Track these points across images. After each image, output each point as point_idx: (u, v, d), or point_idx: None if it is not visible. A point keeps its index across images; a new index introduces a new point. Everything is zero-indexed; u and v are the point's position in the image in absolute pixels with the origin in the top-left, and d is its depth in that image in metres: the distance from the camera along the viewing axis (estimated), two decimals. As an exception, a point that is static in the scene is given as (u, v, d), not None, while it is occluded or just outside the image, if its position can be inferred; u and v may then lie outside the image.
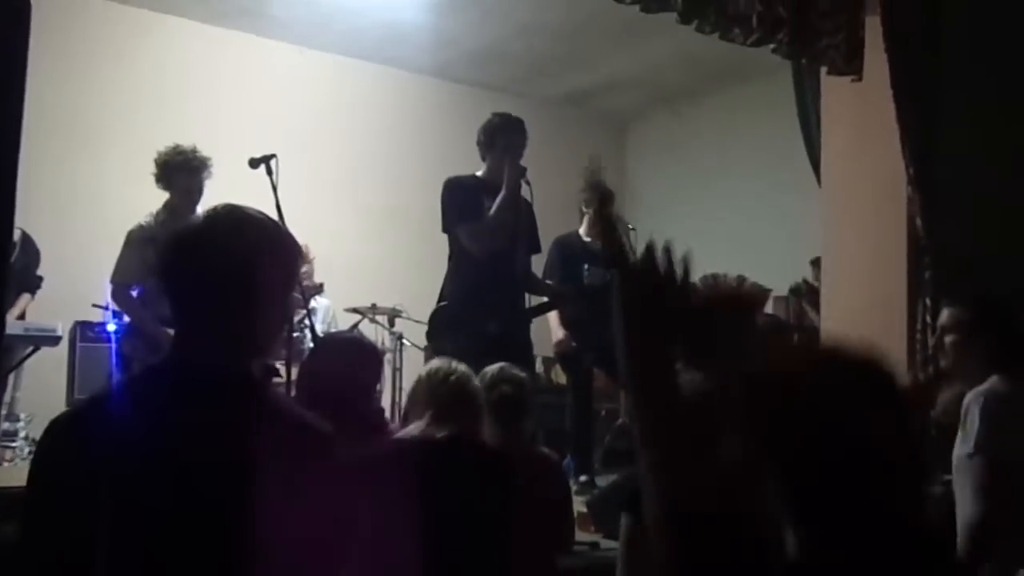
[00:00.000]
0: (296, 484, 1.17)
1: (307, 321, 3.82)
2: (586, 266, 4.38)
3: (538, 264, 4.13)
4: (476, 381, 2.32)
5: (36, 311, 4.43)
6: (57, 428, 1.27)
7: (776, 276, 5.59)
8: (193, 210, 3.76)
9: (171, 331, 3.60)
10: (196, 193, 3.78)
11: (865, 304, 3.03)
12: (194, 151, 3.81)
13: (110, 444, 1.18)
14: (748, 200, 6.51)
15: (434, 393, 2.21)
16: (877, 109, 3.68)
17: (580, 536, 3.14)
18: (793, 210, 5.78)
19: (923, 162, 3.58)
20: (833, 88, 4.01)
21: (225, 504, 1.14)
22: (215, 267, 1.27)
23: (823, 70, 3.97)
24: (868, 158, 3.87)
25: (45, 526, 1.21)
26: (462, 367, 2.28)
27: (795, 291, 5.34)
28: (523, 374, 2.65)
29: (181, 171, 3.77)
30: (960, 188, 3.52)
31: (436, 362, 2.35)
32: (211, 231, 1.31)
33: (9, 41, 1.52)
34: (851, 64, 3.81)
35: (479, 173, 3.75)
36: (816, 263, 5.24)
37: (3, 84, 1.53)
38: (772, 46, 3.69)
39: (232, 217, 1.34)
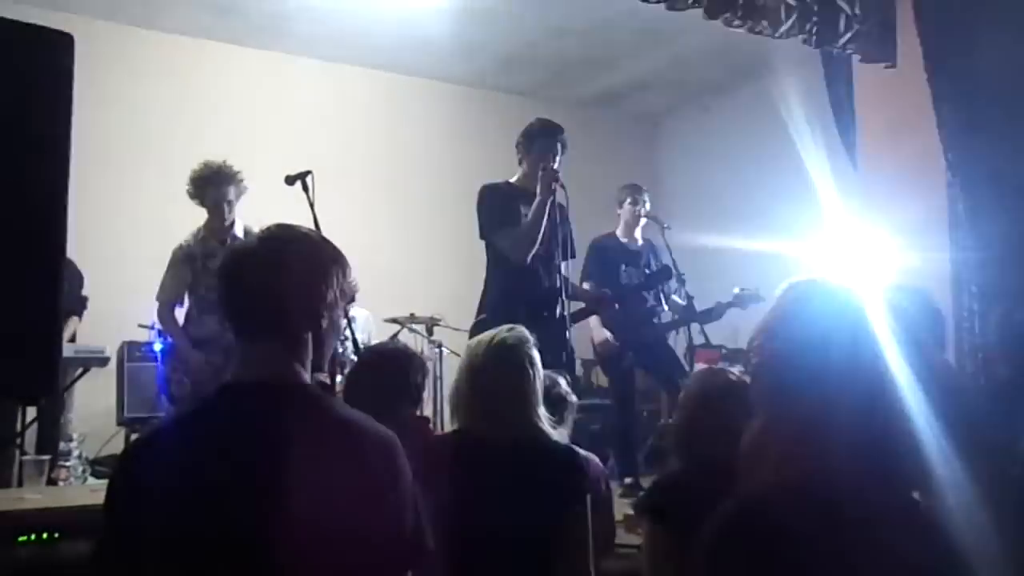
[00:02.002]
0: (371, 490, 1.20)
1: (347, 332, 3.87)
2: (623, 266, 4.37)
3: (575, 266, 4.12)
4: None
5: (84, 333, 4.54)
6: (135, 450, 1.32)
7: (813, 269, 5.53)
8: (228, 224, 3.83)
9: (202, 354, 3.70)
10: (226, 206, 3.84)
11: (908, 293, 3.00)
12: (222, 164, 3.87)
13: (185, 463, 1.21)
14: (781, 192, 6.42)
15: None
16: (912, 95, 3.63)
17: (627, 539, 3.11)
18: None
19: (961, 147, 3.52)
20: (865, 75, 3.97)
21: (301, 515, 1.16)
22: (271, 284, 1.31)
23: (855, 58, 3.92)
24: (904, 145, 3.82)
25: (122, 544, 1.24)
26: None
27: None
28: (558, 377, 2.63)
29: (210, 184, 3.83)
30: (999, 171, 3.45)
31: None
32: (265, 249, 1.35)
33: (56, 72, 1.56)
34: (883, 50, 3.76)
35: (513, 179, 3.76)
36: None
37: (52, 117, 1.57)
38: (802, 37, 3.66)
39: (285, 235, 1.37)
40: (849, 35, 3.69)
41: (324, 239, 1.42)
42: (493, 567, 1.88)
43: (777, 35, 3.60)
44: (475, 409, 2.10)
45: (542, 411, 2.10)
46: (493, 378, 2.07)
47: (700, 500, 1.23)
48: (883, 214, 3.96)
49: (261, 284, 1.31)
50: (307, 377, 1.35)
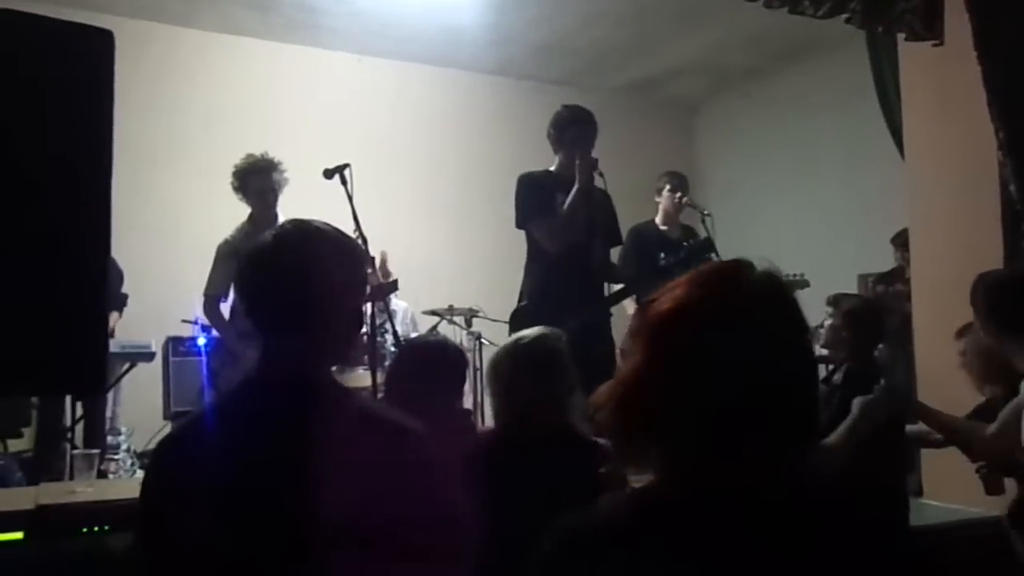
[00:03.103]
0: (394, 482, 1.19)
1: (388, 325, 3.88)
2: (662, 254, 4.31)
3: (612, 255, 4.08)
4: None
5: (129, 329, 4.62)
6: (164, 445, 1.34)
7: (857, 255, 5.43)
8: (272, 216, 3.86)
9: (246, 346, 3.72)
10: (270, 195, 3.88)
11: (959, 278, 2.88)
12: (263, 155, 3.92)
13: (211, 457, 1.22)
14: (824, 178, 6.32)
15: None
16: (960, 73, 3.51)
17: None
18: (872, 185, 5.59)
19: (1013, 124, 3.40)
20: (912, 55, 3.85)
21: (325, 508, 1.16)
22: (283, 281, 1.32)
23: (900, 37, 3.81)
24: (954, 125, 3.70)
25: (156, 537, 1.26)
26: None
27: (883, 278, 5.13)
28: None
29: (251, 175, 3.88)
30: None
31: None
32: (277, 247, 1.36)
33: (98, 69, 1.57)
34: (930, 28, 3.64)
35: (551, 168, 3.73)
36: (897, 240, 5.05)
37: (94, 114, 1.58)
38: (845, 16, 3.56)
39: (296, 231, 1.38)
40: (894, 13, 3.58)
41: (338, 231, 1.43)
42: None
43: (819, 15, 3.51)
44: (511, 408, 2.11)
45: (576, 406, 2.10)
46: (525, 379, 2.09)
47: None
48: (931, 199, 3.86)
49: (285, 278, 1.33)
50: (329, 372, 1.36)
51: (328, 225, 1.42)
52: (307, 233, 1.38)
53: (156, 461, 1.35)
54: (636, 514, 0.92)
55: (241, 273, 1.39)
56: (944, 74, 3.71)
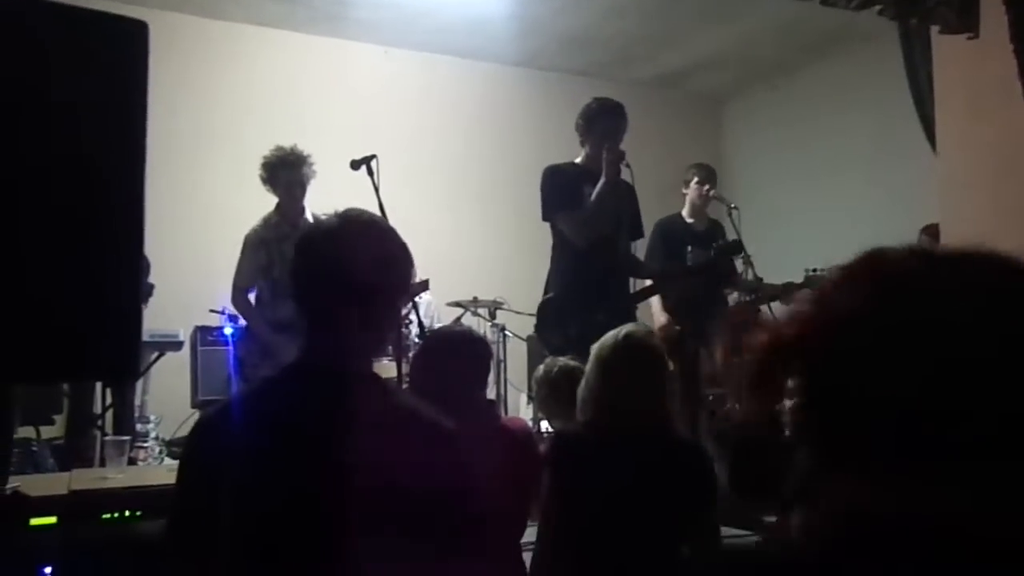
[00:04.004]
0: (426, 479, 1.20)
1: (412, 316, 3.90)
2: (689, 248, 4.29)
3: (639, 249, 4.07)
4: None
5: (158, 318, 4.67)
6: (204, 426, 1.34)
7: (888, 249, 5.36)
8: (299, 209, 3.90)
9: (279, 335, 3.74)
10: (298, 188, 3.91)
11: (992, 274, 2.86)
12: (292, 148, 3.94)
13: (250, 440, 1.23)
14: (853, 172, 6.25)
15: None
16: (995, 67, 3.45)
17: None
18: (901, 179, 5.52)
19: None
20: (946, 48, 3.79)
21: (357, 498, 1.17)
22: (337, 271, 1.31)
23: (934, 29, 3.75)
24: (988, 120, 3.64)
25: (192, 517, 1.28)
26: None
27: None
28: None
29: (280, 168, 3.91)
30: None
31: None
32: (335, 236, 1.35)
33: (132, 60, 1.59)
34: (965, 20, 3.58)
35: (578, 160, 3.72)
36: (928, 231, 4.98)
37: (129, 105, 1.59)
38: (878, 7, 3.51)
39: (363, 220, 1.38)
40: (928, 5, 3.53)
41: (392, 227, 1.42)
42: (624, 552, 1.89)
43: (852, 6, 3.47)
44: (605, 403, 2.11)
45: (670, 405, 2.11)
46: (625, 375, 2.08)
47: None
48: (963, 194, 3.80)
49: (337, 267, 1.31)
50: (371, 364, 1.36)
51: (382, 219, 1.42)
52: (369, 224, 1.38)
53: (193, 441, 1.35)
54: None
55: (297, 256, 1.38)
56: (979, 68, 3.65)
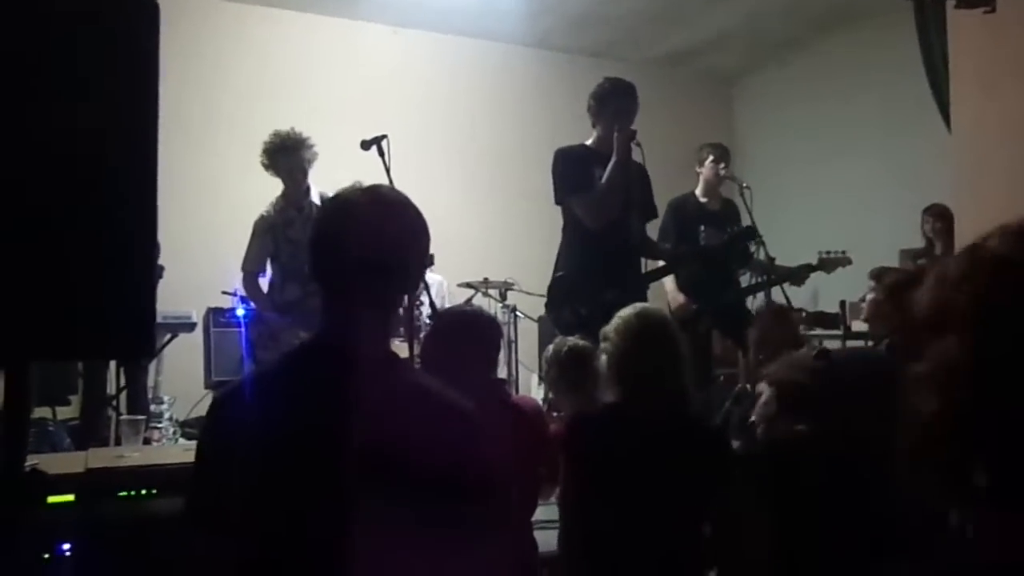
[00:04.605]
0: (443, 457, 1.20)
1: (424, 297, 3.91)
2: (702, 227, 4.28)
3: (652, 228, 4.06)
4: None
5: (171, 299, 4.69)
6: (218, 405, 1.35)
7: (898, 229, 5.33)
8: (304, 191, 3.91)
9: (285, 318, 3.75)
10: (299, 172, 3.91)
11: (1006, 252, 2.83)
12: (290, 132, 3.93)
13: (269, 416, 1.24)
14: (864, 150, 6.20)
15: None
16: (1012, 42, 3.41)
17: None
18: (914, 158, 5.48)
19: (1066, 95, 3.30)
20: (961, 22, 3.74)
21: (374, 476, 1.17)
22: (370, 245, 1.29)
23: (949, 4, 3.70)
24: (1004, 96, 3.60)
25: (210, 492, 1.29)
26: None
27: (924, 252, 5.06)
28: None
29: (279, 152, 3.91)
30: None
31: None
32: (366, 209, 1.33)
33: (144, 42, 1.59)
34: (981, -5, 3.53)
35: (588, 142, 3.70)
36: (931, 211, 4.96)
37: (140, 86, 1.59)
38: (892, -17, 3.47)
39: (387, 197, 1.36)
40: (943, -21, 3.49)
41: (412, 202, 1.40)
42: (649, 532, 1.90)
43: (865, -18, 3.43)
44: (625, 381, 2.11)
45: (687, 383, 2.12)
46: (643, 351, 2.09)
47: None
48: (978, 173, 3.77)
49: (357, 241, 1.29)
50: (388, 341, 1.35)
51: (401, 193, 1.40)
52: (393, 201, 1.35)
53: (211, 419, 1.35)
54: None
55: (316, 232, 1.35)
56: (995, 43, 3.60)
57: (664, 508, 1.91)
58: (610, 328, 2.19)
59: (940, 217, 4.82)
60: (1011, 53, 3.45)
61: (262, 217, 3.97)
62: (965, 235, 3.86)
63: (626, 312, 2.19)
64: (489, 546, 1.26)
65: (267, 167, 3.97)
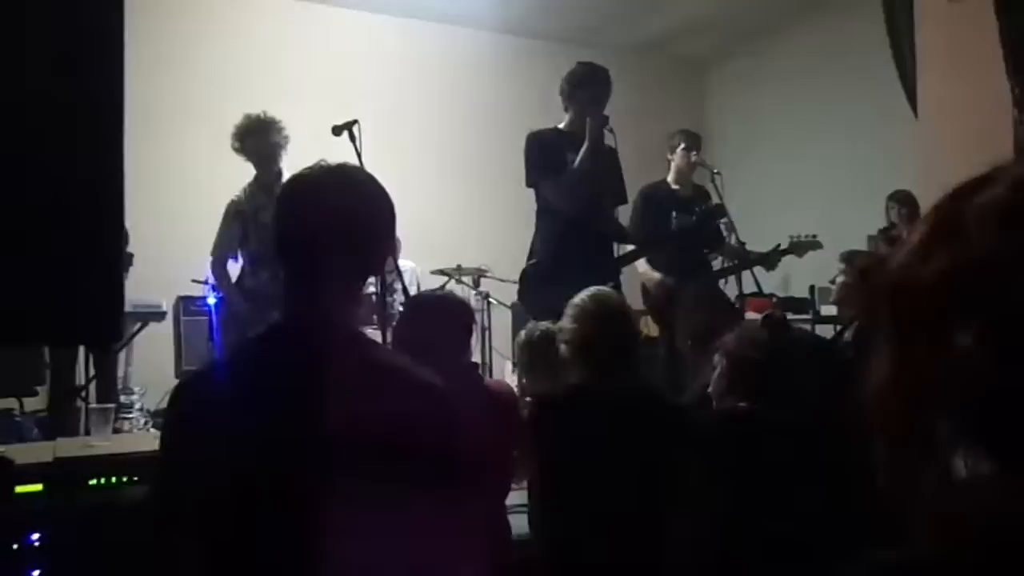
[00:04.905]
0: (416, 437, 1.20)
1: (397, 284, 3.90)
2: (674, 214, 4.30)
3: (623, 214, 4.07)
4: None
5: (140, 288, 4.64)
6: (182, 391, 1.33)
7: (868, 215, 5.39)
8: (275, 174, 3.87)
9: (250, 304, 3.72)
10: (269, 155, 3.87)
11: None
12: (261, 114, 3.90)
13: (235, 400, 1.23)
14: (835, 137, 6.26)
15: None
16: (977, 30, 3.46)
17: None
18: (883, 144, 5.54)
19: (1030, 82, 3.36)
20: (928, 11, 3.80)
21: (344, 463, 1.17)
22: (324, 222, 1.27)
23: (916, -8, 3.76)
24: (969, 83, 3.66)
25: (176, 478, 1.28)
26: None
27: (884, 232, 5.14)
28: None
29: (250, 135, 3.88)
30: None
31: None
32: (319, 187, 1.31)
33: (107, 27, 1.56)
34: (947, -17, 3.58)
35: (561, 126, 3.71)
36: (895, 197, 5.04)
37: (104, 73, 1.57)
38: (860, -30, 3.50)
39: (354, 174, 1.35)
40: (911, -33, 3.53)
41: (377, 181, 1.39)
42: (615, 509, 1.92)
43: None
44: (583, 364, 2.12)
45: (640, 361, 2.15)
46: (616, 332, 2.10)
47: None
48: (944, 158, 3.83)
49: (322, 217, 1.27)
50: (355, 320, 1.33)
51: (365, 171, 1.39)
52: (349, 175, 1.34)
53: (174, 406, 1.32)
54: None
55: (281, 208, 1.33)
56: (961, 31, 3.66)
57: (628, 485, 1.93)
58: (567, 313, 2.22)
59: (904, 203, 4.91)
60: (977, 39, 3.50)
61: (232, 202, 3.93)
62: (931, 220, 3.93)
63: (581, 296, 2.21)
64: (462, 524, 1.26)
65: (238, 150, 3.93)
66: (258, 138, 3.86)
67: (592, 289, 2.25)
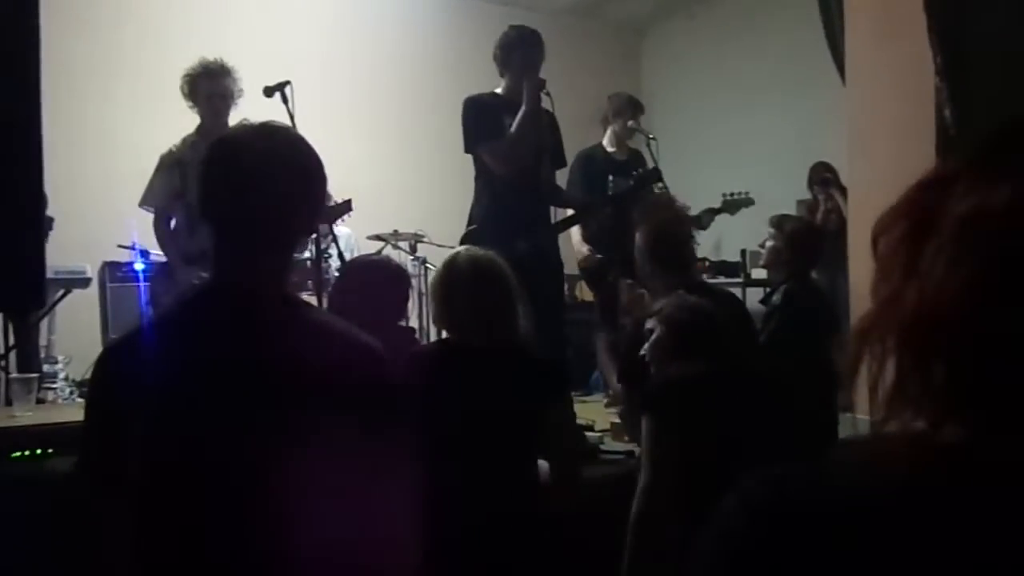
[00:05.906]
0: (353, 398, 1.19)
1: (332, 250, 3.84)
2: (611, 178, 4.33)
3: (561, 178, 4.08)
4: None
5: (63, 254, 4.47)
6: (109, 356, 1.29)
7: (797, 179, 5.52)
8: (222, 125, 3.70)
9: (188, 267, 3.61)
10: (219, 100, 3.73)
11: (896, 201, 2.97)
12: (216, 59, 3.77)
13: (160, 367, 1.20)
14: (767, 100, 6.37)
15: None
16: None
17: (615, 446, 3.21)
18: (814, 108, 5.65)
19: (951, 50, 3.45)
20: (857, -24, 3.86)
21: (281, 421, 1.15)
22: (259, 179, 1.24)
23: (846, -40, 3.81)
24: (895, 50, 3.74)
25: (103, 447, 1.24)
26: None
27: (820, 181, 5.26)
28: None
29: (202, 78, 3.74)
30: (990, 75, 3.40)
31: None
32: (264, 145, 1.28)
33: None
34: (875, -50, 3.64)
35: (498, 90, 3.68)
36: (816, 169, 5.19)
37: (19, 36, 1.49)
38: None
39: (284, 134, 1.32)
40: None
41: (307, 141, 1.36)
42: (482, 452, 1.94)
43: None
44: (462, 321, 2.12)
45: (521, 320, 2.13)
46: (477, 292, 2.09)
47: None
48: (869, 123, 3.92)
49: (252, 176, 1.24)
50: (286, 282, 1.32)
51: (295, 131, 1.36)
52: (279, 134, 1.31)
53: (102, 371, 1.28)
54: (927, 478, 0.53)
55: (208, 167, 1.29)
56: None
57: (494, 437, 1.96)
58: (436, 270, 2.22)
59: (821, 173, 5.08)
60: (902, 9, 3.58)
61: (169, 152, 3.76)
62: (857, 185, 4.04)
63: (450, 254, 2.21)
64: (397, 477, 1.26)
65: (187, 95, 3.77)
66: (211, 80, 3.72)
67: (462, 248, 2.26)
